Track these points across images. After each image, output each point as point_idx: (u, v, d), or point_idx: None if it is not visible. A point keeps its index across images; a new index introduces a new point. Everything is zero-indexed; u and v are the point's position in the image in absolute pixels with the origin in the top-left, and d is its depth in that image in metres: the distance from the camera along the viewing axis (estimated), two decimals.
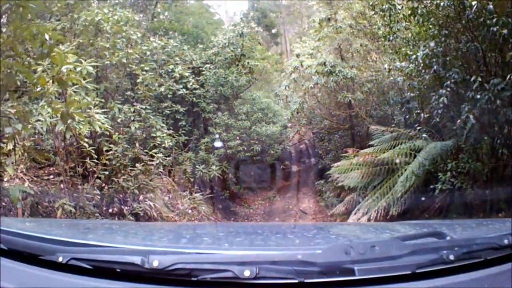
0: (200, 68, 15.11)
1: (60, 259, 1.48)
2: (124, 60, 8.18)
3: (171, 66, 9.36)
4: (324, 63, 14.39)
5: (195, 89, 14.26)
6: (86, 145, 6.89)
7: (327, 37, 15.75)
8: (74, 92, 5.79)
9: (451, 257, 1.47)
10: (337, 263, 1.42)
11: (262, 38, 28.72)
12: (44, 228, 2.42)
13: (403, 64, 8.41)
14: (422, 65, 7.85)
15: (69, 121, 4.77)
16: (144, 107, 8.79)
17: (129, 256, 1.45)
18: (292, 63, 17.26)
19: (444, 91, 7.23)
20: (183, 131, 13.84)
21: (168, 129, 13.19)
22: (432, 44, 7.90)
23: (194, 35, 17.81)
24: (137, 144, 8.83)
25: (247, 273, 1.37)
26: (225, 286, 1.39)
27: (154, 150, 9.17)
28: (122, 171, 8.11)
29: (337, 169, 11.55)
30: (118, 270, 1.46)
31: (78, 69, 5.52)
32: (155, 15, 17.39)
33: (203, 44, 16.61)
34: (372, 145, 11.06)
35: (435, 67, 7.62)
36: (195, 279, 1.40)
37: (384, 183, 9.59)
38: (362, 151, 11.20)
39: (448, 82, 7.25)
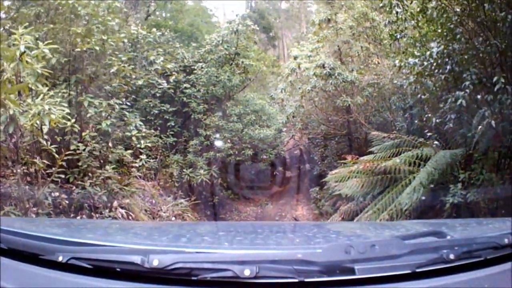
0: (192, 67, 14.47)
1: (60, 259, 1.48)
2: (97, 48, 7.30)
3: (152, 57, 8.38)
4: (323, 65, 13.63)
5: (185, 88, 13.75)
6: (44, 142, 6.01)
7: (327, 39, 15.02)
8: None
9: (451, 257, 1.47)
10: (337, 262, 1.43)
11: (259, 41, 28.25)
12: (44, 228, 2.43)
13: (416, 60, 7.58)
14: (435, 64, 7.06)
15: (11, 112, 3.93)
16: (118, 101, 7.85)
17: (129, 255, 1.45)
18: (289, 65, 16.49)
19: (462, 92, 6.43)
20: (172, 132, 13.29)
21: (155, 129, 12.60)
22: (434, 44, 7.17)
23: (188, 34, 17.14)
24: (110, 144, 7.93)
25: (247, 273, 1.37)
26: (225, 285, 1.40)
27: (128, 151, 8.23)
28: (89, 174, 7.21)
29: (334, 177, 10.73)
30: (118, 269, 1.46)
31: (34, 52, 4.69)
32: (150, 13, 16.83)
33: (197, 42, 16.01)
34: (372, 152, 10.30)
35: (448, 67, 6.84)
36: (195, 278, 1.41)
37: (386, 194, 8.78)
38: (361, 158, 10.44)
39: (467, 83, 6.46)
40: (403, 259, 1.44)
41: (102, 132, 7.71)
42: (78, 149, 7.14)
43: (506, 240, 1.55)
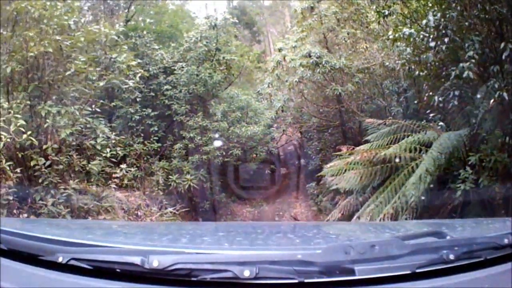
0: (172, 68, 13.87)
1: (60, 259, 1.47)
2: (51, 49, 6.54)
3: (115, 55, 7.59)
4: (309, 54, 13.00)
5: (166, 90, 13.23)
6: None
7: (311, 27, 14.42)
8: None
9: (451, 257, 1.46)
10: (337, 263, 1.42)
11: (243, 37, 27.64)
12: (44, 228, 2.39)
13: (412, 30, 6.85)
14: (432, 36, 6.36)
15: None
16: (78, 107, 7.02)
17: (129, 256, 1.45)
18: (275, 58, 15.84)
19: (467, 64, 5.73)
20: (156, 138, 12.63)
21: (138, 136, 12.01)
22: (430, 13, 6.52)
23: (167, 35, 16.48)
24: (74, 155, 7.15)
25: (247, 273, 1.36)
26: (225, 286, 1.39)
27: (96, 162, 7.47)
28: (52, 192, 6.45)
29: (330, 170, 10.06)
30: (118, 270, 1.45)
31: None
32: (128, 18, 16.27)
33: (177, 42, 15.38)
34: (368, 141, 9.68)
35: (446, 39, 6.15)
36: (195, 279, 1.40)
37: (387, 185, 8.08)
38: (358, 148, 9.78)
39: (471, 53, 5.76)
40: (403, 260, 1.45)
41: (68, 143, 6.95)
42: (38, 165, 6.39)
43: (506, 240, 1.55)
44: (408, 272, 1.41)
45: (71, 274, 1.45)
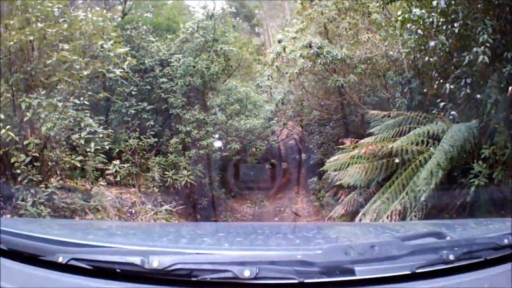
0: (169, 60, 13.47)
1: (60, 260, 1.49)
2: (31, 38, 6.12)
3: (101, 42, 7.13)
4: (310, 45, 12.61)
5: (162, 82, 12.87)
6: None
7: (311, 17, 14.00)
8: None
9: (451, 257, 1.47)
10: (337, 263, 1.44)
11: (242, 30, 27.27)
12: (44, 228, 2.42)
13: (423, 11, 6.42)
14: (442, 19, 5.95)
15: None
16: (61, 99, 6.56)
17: (129, 256, 1.46)
18: (274, 49, 15.43)
19: (481, 48, 5.33)
20: (152, 132, 12.22)
21: (134, 131, 11.72)
22: None
23: (164, 27, 16.12)
24: (57, 151, 6.73)
25: (247, 273, 1.37)
26: (225, 286, 1.41)
27: (79, 158, 7.07)
28: (32, 191, 6.03)
29: (332, 165, 9.67)
30: (118, 270, 1.46)
31: None
32: (125, 12, 15.97)
33: (174, 34, 15.00)
34: (371, 134, 9.36)
35: (456, 24, 5.74)
36: (195, 279, 1.41)
37: (394, 180, 7.67)
38: (362, 141, 9.40)
39: (485, 37, 5.37)
40: (403, 260, 1.45)
41: (53, 138, 6.52)
42: (17, 162, 5.98)
43: (506, 241, 1.55)
44: (408, 272, 1.43)
45: (71, 274, 1.46)
